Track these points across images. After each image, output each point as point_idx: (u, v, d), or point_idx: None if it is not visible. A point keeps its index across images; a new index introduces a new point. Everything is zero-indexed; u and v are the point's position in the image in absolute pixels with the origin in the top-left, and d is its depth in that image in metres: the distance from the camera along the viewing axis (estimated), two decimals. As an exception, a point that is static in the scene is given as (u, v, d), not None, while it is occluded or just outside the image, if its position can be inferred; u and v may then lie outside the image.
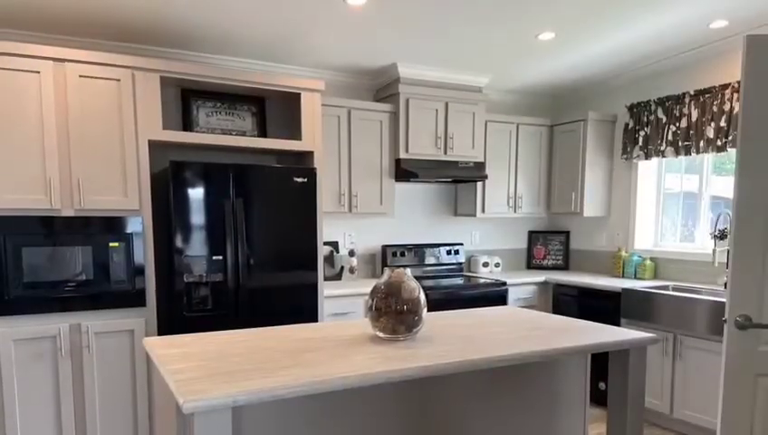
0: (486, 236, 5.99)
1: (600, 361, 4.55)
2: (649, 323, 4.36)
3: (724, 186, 4.77)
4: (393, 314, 2.47)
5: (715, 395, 3.98)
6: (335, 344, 2.48)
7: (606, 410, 2.92)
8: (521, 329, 2.81)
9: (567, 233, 6.06)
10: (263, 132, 4.52)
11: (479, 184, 5.40)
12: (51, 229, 3.51)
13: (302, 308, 4.17)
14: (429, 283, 4.98)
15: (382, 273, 2.58)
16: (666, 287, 4.69)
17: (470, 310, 3.42)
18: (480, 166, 5.27)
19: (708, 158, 4.80)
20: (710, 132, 4.46)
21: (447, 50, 4.50)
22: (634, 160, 5.22)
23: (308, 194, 4.14)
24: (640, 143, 5.07)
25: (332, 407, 2.37)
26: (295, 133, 4.37)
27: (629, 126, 5.20)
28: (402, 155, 4.92)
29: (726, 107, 4.34)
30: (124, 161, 3.70)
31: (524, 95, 6.03)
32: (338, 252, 5.13)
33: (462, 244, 5.71)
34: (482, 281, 5.15)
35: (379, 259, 5.40)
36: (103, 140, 3.64)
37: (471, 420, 2.71)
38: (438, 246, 5.56)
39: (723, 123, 4.36)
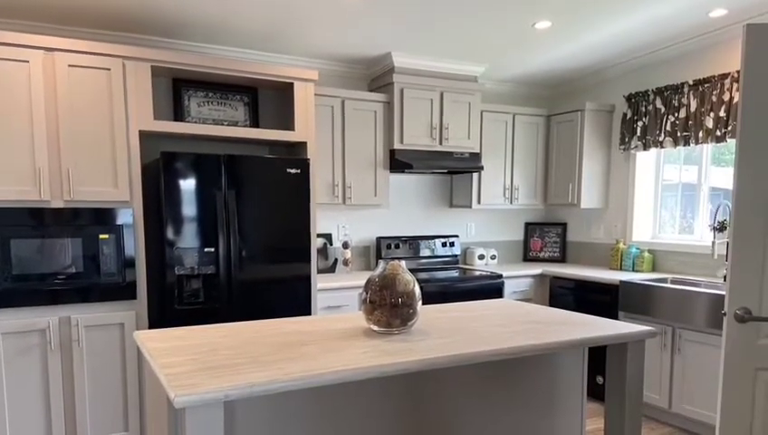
0: (482, 227, 5.95)
1: (598, 354, 4.53)
2: (648, 316, 4.33)
3: (724, 177, 4.74)
4: (388, 307, 2.45)
5: (714, 389, 3.95)
6: (329, 338, 2.46)
7: (604, 405, 2.89)
8: (517, 322, 2.79)
9: (564, 225, 6.03)
10: (255, 122, 4.49)
11: (475, 175, 5.36)
12: (40, 221, 3.47)
13: (296, 301, 4.13)
14: (424, 275, 4.94)
15: (377, 265, 2.56)
16: (664, 280, 4.67)
17: (466, 303, 3.40)
18: (476, 157, 5.22)
19: (707, 148, 4.77)
20: (709, 123, 4.43)
21: (443, 38, 4.45)
22: (632, 151, 5.18)
23: (301, 185, 4.10)
24: (638, 134, 5.03)
25: (326, 401, 2.35)
26: (288, 123, 4.33)
27: (627, 116, 5.16)
28: (397, 146, 4.88)
29: (726, 97, 4.30)
30: (114, 152, 3.67)
31: (521, 85, 5.99)
32: (331, 244, 5.09)
33: (457, 236, 5.68)
34: (477, 273, 5.12)
35: (373, 251, 5.36)
36: (93, 131, 3.61)
37: (466, 415, 2.68)
38: (433, 238, 5.52)
39: (722, 113, 4.32)
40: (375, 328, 2.52)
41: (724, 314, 2.51)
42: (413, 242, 5.42)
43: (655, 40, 4.61)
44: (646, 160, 5.26)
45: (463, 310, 3.14)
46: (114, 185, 3.66)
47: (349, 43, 4.53)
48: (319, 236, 5.00)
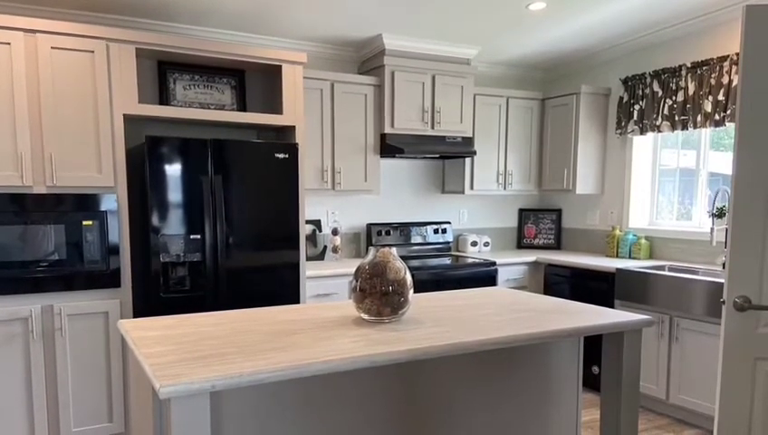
0: (475, 214, 5.90)
1: (594, 344, 4.49)
2: (644, 304, 4.30)
3: (723, 162, 4.68)
4: (378, 296, 2.42)
5: (712, 379, 3.92)
6: (317, 327, 2.43)
7: (600, 395, 2.85)
8: (511, 311, 2.75)
9: (559, 211, 5.97)
10: (242, 106, 4.43)
11: (467, 160, 5.30)
12: (22, 207, 3.43)
13: (284, 289, 4.09)
14: (416, 263, 4.91)
15: (367, 252, 2.53)
16: (661, 267, 4.62)
17: (458, 291, 3.37)
18: (468, 141, 5.16)
19: (706, 132, 4.71)
20: (708, 106, 4.37)
21: (435, 20, 4.38)
22: (629, 135, 5.13)
23: (290, 170, 4.04)
24: (635, 118, 4.97)
25: (315, 392, 2.32)
26: (276, 107, 4.28)
27: (624, 100, 5.10)
28: (387, 130, 4.81)
29: (725, 80, 4.24)
30: (98, 136, 3.62)
31: (515, 68, 5.92)
32: (321, 231, 5.04)
33: (450, 222, 5.63)
34: (470, 261, 5.07)
35: (363, 238, 5.31)
36: (77, 115, 3.56)
37: (460, 406, 2.65)
38: (425, 224, 5.47)
39: (721, 97, 4.26)
40: (365, 317, 2.49)
41: (723, 302, 2.49)
42: (404, 229, 5.36)
43: (652, 21, 4.55)
44: (643, 145, 5.21)
45: (455, 298, 3.10)
46: (98, 170, 3.62)
47: (338, 25, 4.45)
48: (307, 222, 4.95)
